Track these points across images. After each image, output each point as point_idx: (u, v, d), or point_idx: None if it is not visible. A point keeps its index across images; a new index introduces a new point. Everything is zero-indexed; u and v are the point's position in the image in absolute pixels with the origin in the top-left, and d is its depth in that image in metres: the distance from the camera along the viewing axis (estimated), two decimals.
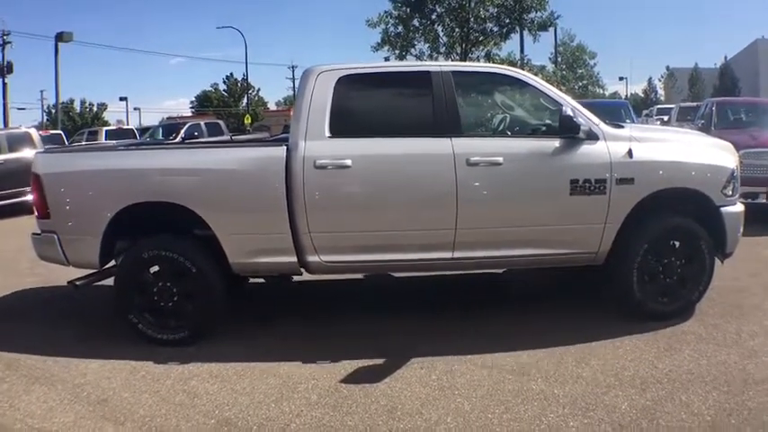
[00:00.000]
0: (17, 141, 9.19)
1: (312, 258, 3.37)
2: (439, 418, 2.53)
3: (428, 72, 3.40)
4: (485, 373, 2.94)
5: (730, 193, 3.53)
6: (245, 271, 3.44)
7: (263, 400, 2.77)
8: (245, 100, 41.79)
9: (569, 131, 3.18)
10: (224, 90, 46.68)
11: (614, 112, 8.68)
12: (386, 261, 3.40)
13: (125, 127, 20.63)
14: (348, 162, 3.23)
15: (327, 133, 3.28)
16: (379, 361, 3.15)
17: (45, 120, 29.81)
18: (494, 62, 18.66)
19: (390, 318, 3.77)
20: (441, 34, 18.62)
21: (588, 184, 3.29)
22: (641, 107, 30.35)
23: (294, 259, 3.35)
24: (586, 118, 3.38)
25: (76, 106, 36.89)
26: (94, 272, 3.52)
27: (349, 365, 3.09)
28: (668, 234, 3.45)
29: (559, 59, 32.71)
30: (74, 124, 29.31)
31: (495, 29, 18.64)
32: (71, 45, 25.92)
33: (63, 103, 35.23)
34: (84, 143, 16.04)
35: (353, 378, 2.96)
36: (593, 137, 3.34)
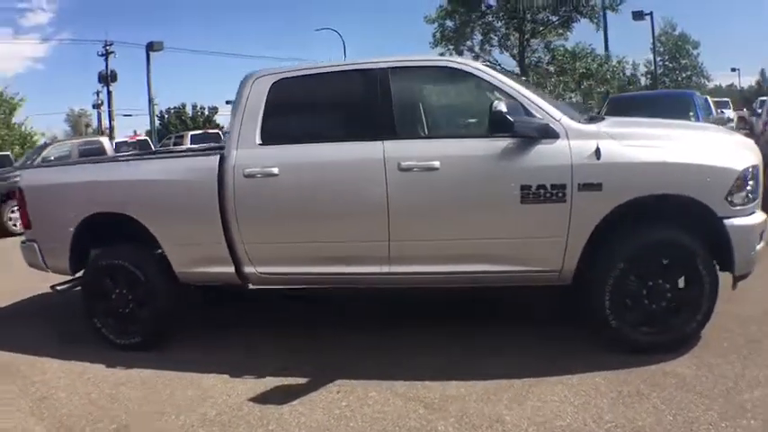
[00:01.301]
0: (89, 151, 10.18)
1: (249, 269, 3.30)
2: None
3: (363, 70, 3.15)
4: (398, 405, 2.69)
5: (740, 201, 2.79)
6: (191, 280, 3.47)
7: (168, 411, 2.84)
8: None
9: (501, 129, 2.70)
10: None
11: (676, 104, 7.31)
12: (321, 274, 3.21)
13: (210, 131, 21.77)
14: (275, 170, 3.10)
15: (258, 141, 3.19)
16: (303, 380, 3.01)
17: (158, 125, 33.39)
18: (555, 53, 17.06)
19: (357, 331, 3.64)
20: (496, 26, 17.38)
21: (543, 191, 2.78)
22: (754, 99, 26.43)
23: (232, 270, 3.27)
24: (544, 112, 2.85)
25: (188, 110, 40.24)
26: (75, 278, 3.75)
27: (272, 382, 3.04)
28: (652, 251, 2.79)
29: (661, 49, 29.45)
30: (186, 127, 32.38)
31: (553, 18, 16.97)
32: (179, 53, 27.85)
33: (175, 107, 39.33)
34: (171, 146, 16.65)
35: (264, 396, 2.91)
36: (550, 135, 2.79)
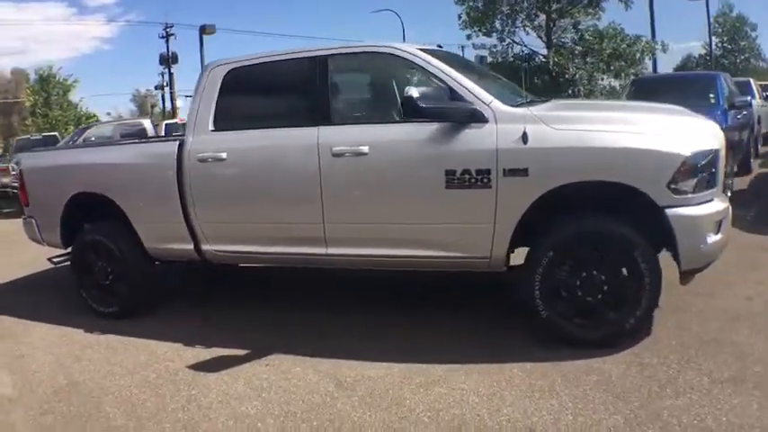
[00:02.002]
0: (130, 133, 10.45)
1: (205, 247, 3.52)
2: (192, 418, 2.48)
3: (306, 58, 3.22)
4: (313, 381, 2.82)
5: (688, 188, 2.60)
6: (160, 256, 3.75)
7: (117, 372, 3.13)
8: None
9: (412, 115, 2.67)
10: None
11: (697, 86, 6.74)
12: (267, 253, 3.37)
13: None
14: (223, 155, 3.27)
15: (211, 127, 3.37)
16: (242, 352, 3.22)
17: None
18: (583, 33, 15.97)
19: (313, 311, 3.76)
20: (522, 7, 16.55)
21: (468, 176, 2.75)
22: None
23: (191, 247, 3.49)
24: (474, 96, 2.79)
25: None
26: (68, 252, 4.12)
27: (216, 352, 3.24)
28: (583, 241, 2.67)
29: (720, 30, 27.26)
30: None
31: None
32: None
33: None
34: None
35: (202, 365, 3.11)
36: (478, 118, 2.73)
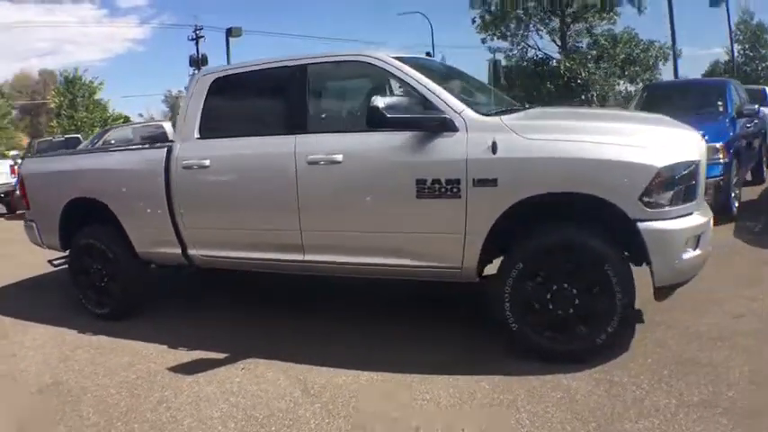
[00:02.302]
0: (151, 135, 10.21)
1: (192, 252, 3.61)
2: (160, 419, 2.58)
3: (285, 67, 3.28)
4: (282, 386, 2.91)
5: (664, 201, 2.57)
6: (150, 260, 3.85)
7: (98, 372, 3.24)
8: None
9: (377, 124, 2.69)
10: None
11: (707, 92, 6.58)
12: (249, 259, 3.43)
13: None
14: (207, 162, 3.36)
15: (196, 135, 3.44)
16: (222, 356, 3.27)
17: None
18: (596, 38, 15.69)
19: (302, 317, 3.81)
20: (533, 11, 16.40)
21: (438, 186, 2.75)
22: None
23: (179, 251, 3.57)
24: (446, 105, 2.79)
25: None
26: (67, 254, 4.25)
27: (197, 355, 3.32)
28: (552, 253, 2.65)
29: (741, 38, 26.62)
30: None
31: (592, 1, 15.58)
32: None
33: None
34: None
35: (182, 368, 3.17)
36: (449, 127, 2.74)
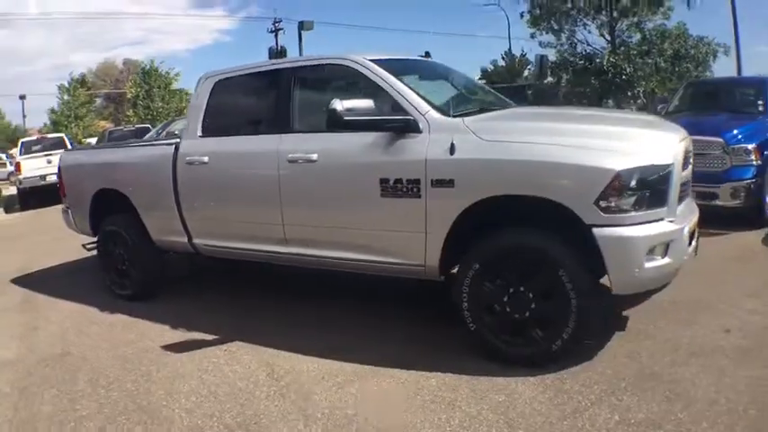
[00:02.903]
0: (173, 135, 10.62)
1: (196, 241, 3.91)
2: (138, 389, 2.85)
3: (277, 70, 3.47)
4: (252, 368, 3.10)
5: (625, 206, 2.50)
6: (165, 247, 4.18)
7: (103, 346, 3.60)
8: (524, 73, 37.36)
9: (337, 127, 2.81)
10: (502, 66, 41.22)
11: (746, 90, 6.07)
12: (243, 249, 3.65)
13: None
14: (206, 159, 3.62)
15: (199, 133, 3.72)
16: (211, 337, 3.51)
17: None
18: (645, 33, 14.54)
19: (297, 303, 3.98)
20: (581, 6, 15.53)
21: (399, 185, 2.85)
22: None
23: (186, 240, 3.88)
24: (410, 106, 2.87)
25: None
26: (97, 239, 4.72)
27: (193, 336, 3.59)
28: (506, 255, 2.64)
29: None
30: None
31: None
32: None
33: None
34: None
35: (174, 346, 3.45)
36: (412, 128, 2.82)
